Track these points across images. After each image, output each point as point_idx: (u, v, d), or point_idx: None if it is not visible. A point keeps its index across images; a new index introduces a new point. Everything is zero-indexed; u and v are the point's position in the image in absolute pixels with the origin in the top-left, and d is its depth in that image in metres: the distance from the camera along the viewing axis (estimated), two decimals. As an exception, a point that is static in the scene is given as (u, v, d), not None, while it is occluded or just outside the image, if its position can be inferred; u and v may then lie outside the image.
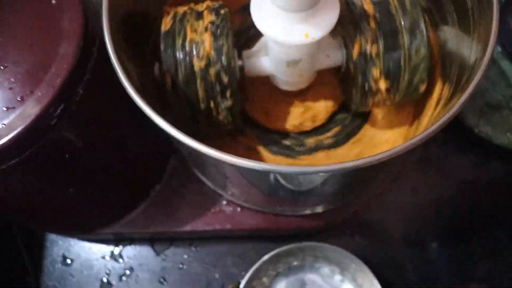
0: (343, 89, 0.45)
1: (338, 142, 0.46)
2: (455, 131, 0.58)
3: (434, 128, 0.30)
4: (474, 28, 0.37)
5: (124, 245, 0.56)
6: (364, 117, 0.47)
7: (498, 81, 0.56)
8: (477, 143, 0.58)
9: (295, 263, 0.54)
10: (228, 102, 0.38)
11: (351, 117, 0.47)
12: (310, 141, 0.46)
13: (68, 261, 0.56)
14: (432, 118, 0.41)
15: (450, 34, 0.41)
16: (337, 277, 0.54)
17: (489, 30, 0.33)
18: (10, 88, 0.31)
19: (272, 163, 0.30)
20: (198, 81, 0.36)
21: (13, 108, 0.30)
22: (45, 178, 0.36)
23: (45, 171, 0.35)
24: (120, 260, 0.55)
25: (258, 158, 0.45)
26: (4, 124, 0.30)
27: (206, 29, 0.37)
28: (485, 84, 0.56)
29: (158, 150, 0.49)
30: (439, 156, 0.60)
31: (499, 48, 0.57)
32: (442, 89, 0.42)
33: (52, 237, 0.57)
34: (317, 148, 0.46)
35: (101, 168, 0.41)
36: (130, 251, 0.56)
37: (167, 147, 0.49)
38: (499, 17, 0.33)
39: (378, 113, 0.47)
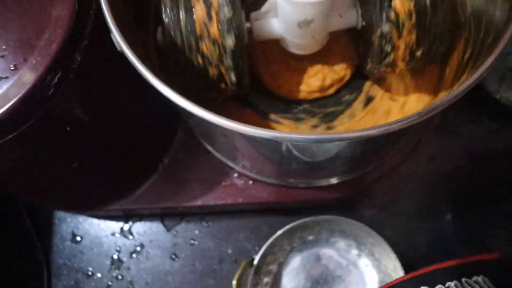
0: (358, 51, 0.42)
1: (353, 110, 0.44)
2: (474, 98, 0.56)
3: (456, 92, 0.28)
4: None
5: (133, 222, 0.55)
6: (380, 84, 0.44)
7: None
8: (498, 110, 0.55)
9: (310, 237, 0.52)
10: (236, 67, 0.35)
11: (367, 83, 0.44)
12: (323, 108, 0.44)
13: (78, 238, 0.55)
14: (452, 83, 0.39)
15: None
16: (354, 252, 0.52)
17: None
18: (2, 56, 0.29)
19: (285, 132, 0.28)
20: (204, 43, 0.34)
21: (6, 77, 0.28)
22: (47, 153, 0.35)
23: (46, 145, 0.34)
24: (130, 236, 0.54)
25: (268, 126, 0.43)
26: (-3, 95, 0.28)
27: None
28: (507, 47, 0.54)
29: (165, 121, 0.47)
30: (457, 123, 0.58)
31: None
32: (464, 51, 0.39)
33: (60, 214, 0.55)
34: (330, 117, 0.44)
35: (105, 141, 0.39)
36: (140, 228, 0.54)
37: (174, 118, 0.47)
38: None
39: (394, 80, 0.44)
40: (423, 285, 0.35)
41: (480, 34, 0.37)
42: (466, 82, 0.28)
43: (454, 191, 0.56)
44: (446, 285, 0.35)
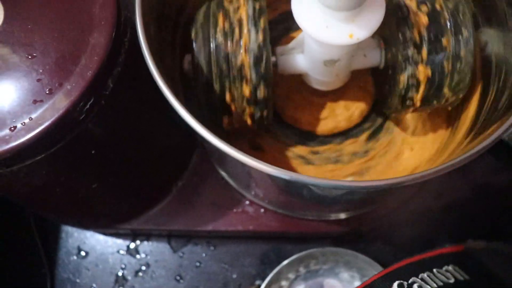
0: (379, 90, 0.43)
1: (369, 146, 0.44)
2: None
3: (479, 148, 0.29)
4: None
5: (141, 241, 0.54)
6: (396, 122, 0.45)
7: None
8: (503, 149, 0.56)
9: (315, 267, 0.52)
10: (261, 100, 0.36)
11: (384, 121, 0.45)
12: (340, 144, 0.44)
13: (83, 253, 0.55)
14: (468, 129, 0.40)
15: (493, 37, 0.39)
16: (357, 283, 0.53)
17: None
18: (38, 80, 0.29)
19: (304, 175, 0.28)
20: (231, 75, 0.35)
21: (41, 101, 0.29)
22: (70, 173, 0.35)
23: (71, 166, 0.34)
24: (137, 255, 0.54)
25: (286, 160, 0.43)
26: (31, 118, 0.29)
27: (242, 21, 0.35)
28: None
29: (182, 145, 0.47)
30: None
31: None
32: (480, 98, 0.40)
33: (67, 228, 0.55)
34: (346, 152, 0.44)
35: (125, 163, 0.39)
36: (146, 247, 0.54)
37: (190, 142, 0.47)
38: None
39: (411, 118, 0.45)
40: (398, 279, 0.36)
41: (499, 85, 0.37)
42: (485, 142, 0.29)
43: (460, 227, 0.56)
44: (419, 276, 0.36)
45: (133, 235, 0.54)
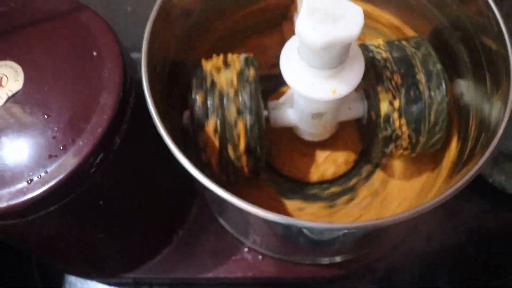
0: (364, 139, 0.46)
1: (358, 192, 0.47)
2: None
3: (451, 191, 0.32)
4: (492, 86, 0.38)
5: (143, 290, 0.56)
6: (382, 168, 0.48)
7: (510, 130, 0.58)
8: (491, 192, 0.58)
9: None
10: (257, 151, 0.39)
11: (370, 167, 0.48)
12: (330, 191, 0.47)
13: (86, 304, 0.56)
14: (450, 170, 0.42)
15: (466, 88, 0.42)
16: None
17: (507, 91, 0.34)
18: (53, 137, 0.32)
19: (297, 219, 0.31)
20: (227, 129, 0.38)
21: (55, 156, 0.32)
22: (79, 223, 0.37)
23: (80, 217, 0.36)
24: (139, 304, 0.55)
25: (279, 206, 0.46)
26: (46, 172, 0.31)
27: (236, 80, 0.38)
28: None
29: (183, 196, 0.50)
30: (454, 203, 0.60)
31: None
32: (458, 140, 0.43)
33: (70, 278, 0.57)
34: (336, 198, 0.47)
35: (130, 213, 0.41)
36: (148, 296, 0.56)
37: (191, 193, 0.50)
38: None
39: (397, 164, 0.48)
40: None
41: (476, 130, 0.40)
42: (459, 183, 0.32)
43: (451, 267, 0.58)
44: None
45: (135, 284, 0.55)
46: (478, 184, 0.58)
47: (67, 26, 0.37)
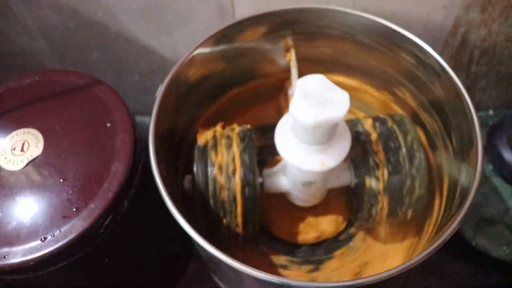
0: (351, 206, 0.50)
1: (346, 254, 0.50)
2: (453, 242, 0.62)
3: (428, 251, 0.34)
4: (463, 155, 0.42)
5: None
6: (369, 232, 0.51)
7: (491, 197, 0.62)
8: (475, 255, 0.61)
9: None
10: (250, 214, 0.42)
11: (357, 232, 0.51)
12: (320, 253, 0.50)
13: None
14: (432, 235, 0.45)
15: (444, 158, 0.47)
16: None
17: (475, 160, 0.39)
18: (68, 199, 0.36)
19: (288, 278, 0.34)
20: (225, 193, 0.41)
21: (69, 217, 0.35)
22: (85, 278, 0.40)
23: (87, 273, 0.39)
24: None
25: (271, 265, 0.49)
26: (60, 231, 0.35)
27: (234, 149, 0.42)
28: (479, 199, 0.61)
29: (182, 254, 0.53)
30: (440, 264, 0.63)
31: (490, 166, 0.63)
32: (440, 206, 0.46)
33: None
34: (326, 260, 0.50)
35: (133, 270, 0.44)
36: None
37: (188, 252, 0.53)
38: (484, 144, 0.39)
39: (382, 229, 0.51)
40: None
41: (453, 196, 0.44)
42: (432, 247, 0.34)
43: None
44: None
45: None
46: (464, 248, 0.60)
47: (85, 99, 0.41)
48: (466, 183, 0.40)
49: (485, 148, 0.39)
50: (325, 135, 0.37)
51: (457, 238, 0.60)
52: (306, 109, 0.34)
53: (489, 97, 0.70)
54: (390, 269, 0.33)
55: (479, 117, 0.67)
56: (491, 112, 0.71)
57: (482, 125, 0.67)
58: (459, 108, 0.42)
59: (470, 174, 0.40)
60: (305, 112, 0.34)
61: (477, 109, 0.70)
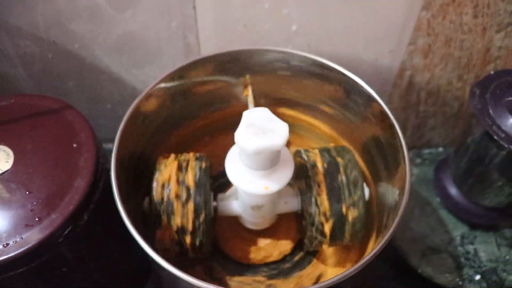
0: (299, 230, 0.54)
1: (291, 274, 0.54)
2: (401, 268, 0.66)
3: (361, 263, 0.39)
4: (395, 182, 0.47)
5: None
6: (315, 255, 0.55)
7: (437, 227, 0.67)
8: (420, 282, 0.65)
9: None
10: (203, 237, 0.46)
11: (304, 254, 0.55)
12: (268, 272, 0.54)
13: None
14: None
15: (384, 188, 0.51)
16: None
17: (403, 185, 0.44)
18: (32, 210, 0.39)
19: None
20: (180, 217, 0.45)
21: (32, 225, 0.39)
22: (44, 285, 0.43)
23: (45, 280, 0.42)
24: None
25: (223, 283, 0.52)
26: (21, 238, 0.38)
27: (190, 174, 0.46)
28: (426, 229, 0.66)
29: (140, 270, 0.56)
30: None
31: (438, 199, 0.68)
32: (378, 230, 0.51)
33: None
34: (273, 277, 0.53)
35: (89, 282, 0.47)
36: None
37: (146, 269, 0.56)
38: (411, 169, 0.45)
39: (328, 252, 0.55)
40: None
41: (386, 218, 0.48)
42: (364, 259, 0.39)
43: None
44: None
45: None
46: (411, 275, 0.64)
47: (55, 121, 0.45)
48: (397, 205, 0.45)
49: (411, 172, 0.45)
50: (268, 161, 0.42)
51: (403, 265, 0.65)
52: (249, 137, 0.38)
53: (438, 135, 0.76)
54: (318, 283, 0.37)
55: (429, 153, 0.73)
56: (440, 149, 0.78)
57: (431, 162, 0.74)
58: (394, 143, 0.47)
59: (399, 196, 0.45)
60: (247, 139, 0.38)
61: (428, 146, 0.76)
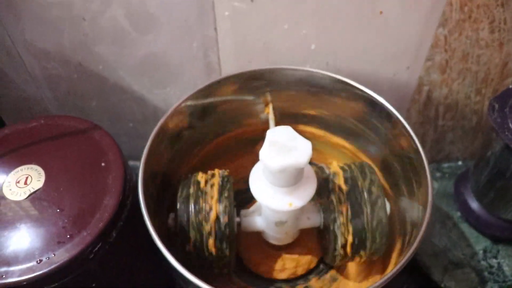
0: (321, 245, 0.55)
1: (316, 288, 0.54)
2: (424, 284, 0.65)
3: (385, 278, 0.39)
4: (419, 198, 0.48)
5: None
6: (340, 270, 0.55)
7: (459, 242, 0.66)
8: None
9: None
10: (227, 251, 0.47)
11: (328, 270, 0.55)
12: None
13: None
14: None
15: (405, 203, 0.52)
16: None
17: (426, 200, 0.44)
18: (63, 227, 0.41)
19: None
20: (204, 232, 0.46)
21: (63, 242, 0.40)
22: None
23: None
24: None
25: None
26: (54, 254, 0.39)
27: (214, 192, 0.47)
28: (448, 244, 0.66)
29: (161, 286, 0.56)
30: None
31: (458, 213, 0.68)
32: (401, 245, 0.51)
33: None
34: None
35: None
36: None
37: (169, 285, 0.57)
38: (432, 186, 0.45)
39: (351, 267, 0.55)
40: None
41: (412, 235, 0.48)
42: (388, 274, 0.39)
43: None
44: None
45: None
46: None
47: (83, 141, 0.47)
48: (420, 220, 0.45)
49: (432, 186, 0.45)
50: (291, 178, 0.42)
51: (426, 280, 0.64)
52: (273, 156, 0.39)
53: (457, 149, 0.76)
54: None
55: (448, 167, 0.73)
56: (460, 163, 0.77)
57: (451, 175, 0.74)
58: (415, 158, 0.48)
59: (422, 212, 0.45)
60: (271, 158, 0.39)
61: (447, 160, 0.76)
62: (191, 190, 0.48)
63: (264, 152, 0.40)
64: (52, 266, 0.39)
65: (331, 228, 0.47)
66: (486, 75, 0.63)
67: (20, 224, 0.41)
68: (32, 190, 0.43)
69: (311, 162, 0.60)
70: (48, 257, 0.39)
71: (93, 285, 0.43)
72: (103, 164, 0.46)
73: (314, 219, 0.52)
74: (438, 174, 0.75)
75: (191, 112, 0.53)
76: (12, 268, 0.39)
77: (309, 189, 0.45)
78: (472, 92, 0.65)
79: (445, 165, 0.77)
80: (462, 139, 0.74)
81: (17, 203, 0.42)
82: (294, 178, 0.43)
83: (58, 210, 0.42)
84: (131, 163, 0.50)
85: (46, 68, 0.62)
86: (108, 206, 0.42)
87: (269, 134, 0.41)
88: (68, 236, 0.40)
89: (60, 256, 0.39)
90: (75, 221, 0.41)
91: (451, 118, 0.70)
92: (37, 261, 0.39)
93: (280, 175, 0.42)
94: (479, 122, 0.70)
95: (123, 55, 0.60)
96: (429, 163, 0.75)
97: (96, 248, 0.41)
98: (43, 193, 0.43)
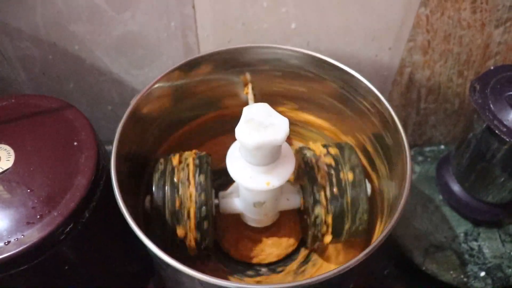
0: (301, 227, 0.54)
1: (297, 276, 0.53)
2: (405, 266, 0.66)
3: (361, 255, 0.38)
4: (397, 178, 0.47)
5: None
6: (320, 253, 0.55)
7: (440, 225, 0.66)
8: (424, 280, 0.65)
9: None
10: (205, 234, 0.46)
11: (308, 253, 0.55)
12: (270, 271, 0.53)
13: None
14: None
15: (385, 184, 0.51)
16: None
17: (403, 175, 0.44)
18: (33, 207, 0.39)
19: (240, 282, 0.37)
20: (181, 215, 0.45)
21: (33, 223, 0.39)
22: (45, 283, 0.43)
23: (47, 277, 0.42)
24: None
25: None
26: (23, 235, 0.38)
27: (191, 172, 0.46)
28: (429, 227, 0.66)
29: (140, 271, 0.56)
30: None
31: (440, 197, 0.68)
32: (380, 226, 0.50)
33: None
34: (276, 281, 0.53)
35: (91, 281, 0.47)
36: None
37: (147, 269, 0.56)
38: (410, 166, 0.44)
39: (331, 250, 0.55)
40: None
41: (388, 212, 0.48)
42: (365, 251, 0.38)
43: None
44: None
45: None
46: (415, 273, 0.64)
47: (56, 120, 0.45)
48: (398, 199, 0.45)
49: (412, 167, 0.44)
50: (269, 156, 0.42)
51: (407, 263, 0.64)
52: (249, 132, 0.38)
53: (439, 133, 0.76)
54: (320, 274, 0.37)
55: (430, 151, 0.73)
56: (442, 147, 0.77)
57: (433, 159, 0.73)
58: (395, 138, 0.47)
59: (400, 190, 0.44)
60: (247, 134, 0.38)
61: (430, 144, 0.76)
62: (167, 172, 0.47)
63: (240, 129, 0.39)
64: (21, 247, 0.38)
65: (311, 209, 0.47)
66: (468, 57, 0.62)
67: (-13, 205, 0.40)
68: (1, 170, 0.41)
69: (290, 143, 0.60)
70: (17, 238, 0.38)
71: (66, 267, 0.42)
72: (75, 143, 0.44)
73: (294, 201, 0.51)
74: (420, 158, 0.75)
75: (167, 92, 0.52)
76: (-22, 250, 0.38)
77: (287, 167, 0.44)
78: (454, 74, 0.65)
79: (427, 149, 0.76)
80: (445, 122, 0.74)
81: (-15, 183, 0.41)
82: (271, 156, 0.42)
83: (28, 190, 0.40)
84: (111, 147, 0.49)
85: (19, 48, 0.60)
86: (80, 186, 0.41)
87: (245, 111, 0.40)
88: (38, 217, 0.39)
89: (30, 237, 0.38)
90: (45, 201, 0.40)
91: (433, 101, 0.70)
92: (5, 243, 0.38)
93: (257, 153, 0.41)
94: (461, 105, 0.70)
95: (99, 34, 0.58)
96: (411, 147, 0.75)
97: (68, 229, 0.40)
98: (12, 173, 0.41)
